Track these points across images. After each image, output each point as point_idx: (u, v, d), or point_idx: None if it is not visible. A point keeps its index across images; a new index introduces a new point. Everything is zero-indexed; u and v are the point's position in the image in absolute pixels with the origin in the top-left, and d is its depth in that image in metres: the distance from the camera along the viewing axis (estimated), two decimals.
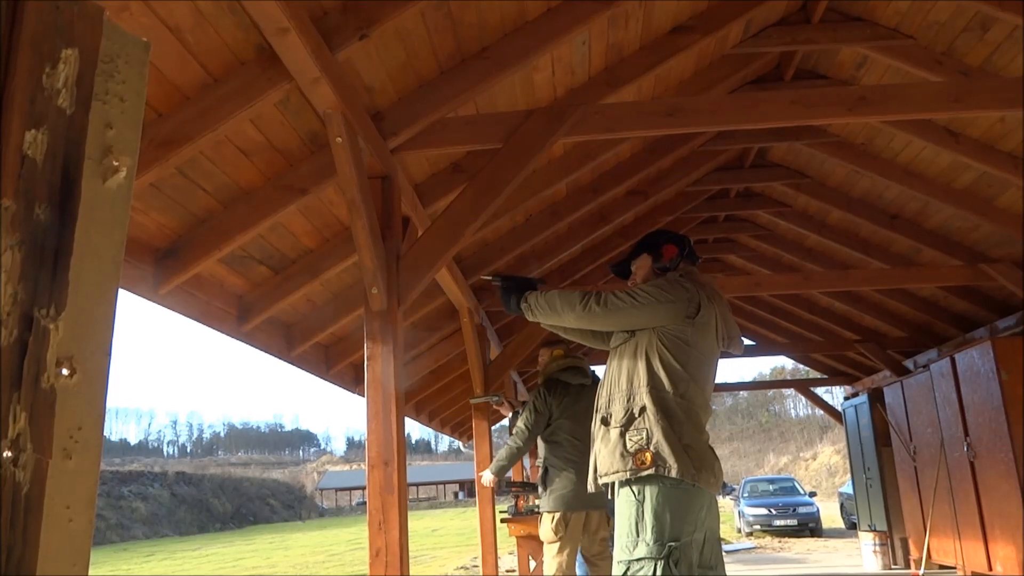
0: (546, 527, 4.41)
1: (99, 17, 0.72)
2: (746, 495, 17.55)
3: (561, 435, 4.46)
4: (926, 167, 5.72)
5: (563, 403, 4.48)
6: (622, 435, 2.52)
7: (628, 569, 2.37)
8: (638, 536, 2.39)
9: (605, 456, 2.56)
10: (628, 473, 2.46)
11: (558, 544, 4.36)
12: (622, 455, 2.49)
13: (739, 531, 16.95)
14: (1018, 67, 4.29)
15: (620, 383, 2.62)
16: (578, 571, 6.09)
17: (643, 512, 2.41)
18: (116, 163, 0.72)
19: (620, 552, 2.42)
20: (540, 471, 4.53)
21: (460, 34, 3.23)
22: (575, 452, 4.39)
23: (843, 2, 4.49)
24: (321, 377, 5.36)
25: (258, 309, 4.03)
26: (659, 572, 2.31)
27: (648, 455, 2.44)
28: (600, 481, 2.56)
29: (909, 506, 8.57)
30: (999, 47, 4.28)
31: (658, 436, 2.46)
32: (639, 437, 2.50)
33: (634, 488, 2.48)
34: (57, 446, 0.65)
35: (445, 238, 3.48)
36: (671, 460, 2.42)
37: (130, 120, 0.74)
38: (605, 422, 2.61)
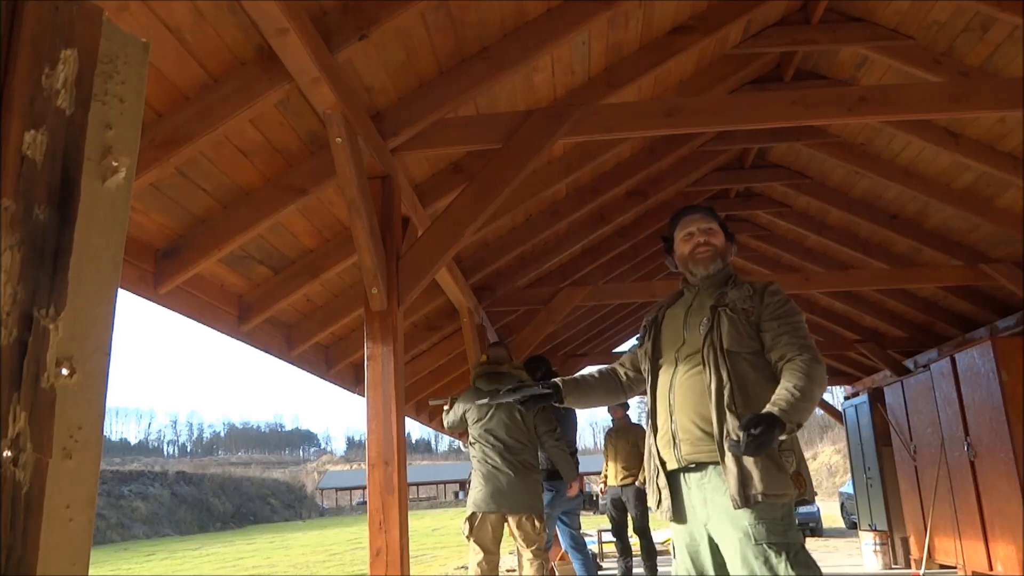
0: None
1: (98, 17, 0.72)
2: None
3: (476, 437, 4.60)
4: (926, 167, 5.72)
5: (472, 409, 4.62)
6: (780, 452, 2.23)
7: (790, 551, 2.16)
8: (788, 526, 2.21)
9: (769, 472, 2.19)
10: (794, 498, 2.22)
11: (471, 545, 4.51)
12: (787, 475, 2.22)
13: None
14: (1018, 67, 4.29)
15: (764, 395, 2.24)
16: (572, 557, 6.13)
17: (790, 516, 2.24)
18: (115, 163, 0.72)
19: (771, 534, 2.16)
20: None
21: (460, 34, 3.23)
22: (485, 453, 4.53)
23: (843, 2, 4.49)
24: (321, 377, 5.36)
25: (258, 309, 4.03)
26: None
27: (801, 480, 2.22)
28: (760, 500, 2.16)
29: (909, 506, 8.57)
30: (999, 47, 4.28)
31: (799, 455, 2.26)
32: (793, 459, 2.24)
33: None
34: (57, 446, 0.65)
35: (445, 238, 3.49)
36: (810, 484, 2.26)
37: (129, 120, 0.74)
38: (728, 433, 2.27)
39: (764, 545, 2.15)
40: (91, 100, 0.71)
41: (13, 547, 0.62)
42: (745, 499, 2.17)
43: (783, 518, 2.19)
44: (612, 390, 2.72)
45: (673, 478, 2.41)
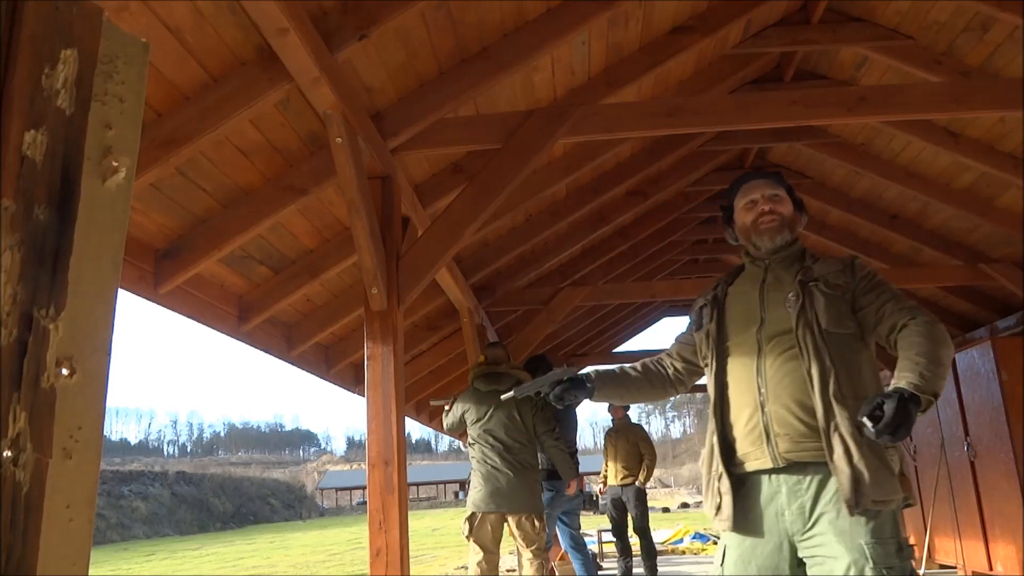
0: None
1: (98, 17, 0.72)
2: None
3: (475, 438, 4.63)
4: (926, 167, 5.72)
5: (471, 410, 4.66)
6: (885, 450, 1.93)
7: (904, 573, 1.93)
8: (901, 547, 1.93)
9: (880, 473, 1.90)
10: (901, 503, 1.94)
11: (471, 545, 4.53)
12: (895, 476, 1.93)
13: None
14: (1018, 67, 4.29)
15: (873, 382, 2.03)
16: (569, 549, 6.13)
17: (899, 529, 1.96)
18: (115, 163, 0.72)
19: (888, 557, 1.89)
20: None
21: (460, 34, 3.23)
22: (484, 454, 4.55)
23: (843, 2, 4.49)
24: (321, 377, 5.36)
25: (258, 309, 4.03)
26: None
27: (907, 482, 1.96)
28: (871, 506, 1.88)
29: None
30: (999, 47, 4.28)
31: (901, 453, 1.98)
32: (897, 457, 1.96)
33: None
34: (57, 446, 0.65)
35: (445, 238, 3.49)
36: (912, 487, 1.97)
37: (129, 120, 0.74)
38: (860, 428, 1.90)
39: (884, 569, 1.86)
40: (91, 100, 0.71)
41: (13, 547, 0.62)
42: (858, 503, 1.87)
43: (893, 535, 1.91)
44: (658, 385, 2.38)
45: (748, 480, 2.07)
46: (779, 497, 2.00)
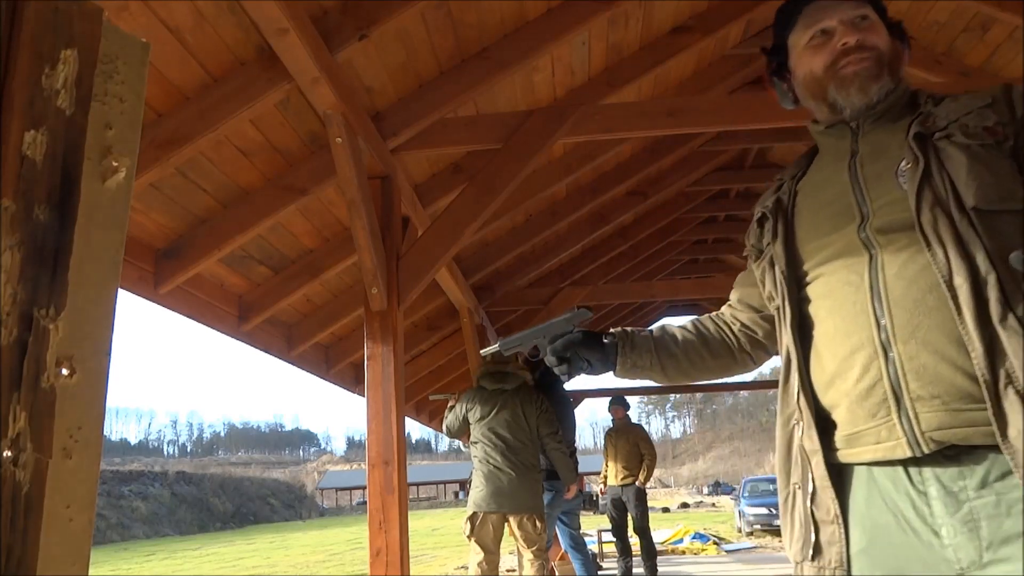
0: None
1: (98, 18, 0.72)
2: (746, 495, 17.59)
3: (477, 437, 4.63)
4: None
5: (475, 408, 4.66)
6: None
7: None
8: None
9: None
10: None
11: (472, 545, 4.52)
12: None
13: (739, 531, 16.97)
14: (1018, 67, 4.29)
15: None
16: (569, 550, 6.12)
17: None
18: (115, 164, 0.72)
19: None
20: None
21: (460, 34, 3.23)
22: (486, 453, 4.55)
23: None
24: (321, 377, 5.36)
25: (258, 309, 4.03)
26: None
27: None
28: None
29: None
30: (999, 47, 4.28)
31: None
32: None
33: None
34: (57, 446, 0.65)
35: (445, 238, 3.49)
36: None
37: (129, 120, 0.74)
38: (1011, 378, 1.04)
39: None
40: (91, 100, 0.71)
41: (13, 547, 0.62)
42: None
43: None
44: (722, 353, 1.54)
45: (853, 475, 1.21)
46: (932, 507, 1.11)
